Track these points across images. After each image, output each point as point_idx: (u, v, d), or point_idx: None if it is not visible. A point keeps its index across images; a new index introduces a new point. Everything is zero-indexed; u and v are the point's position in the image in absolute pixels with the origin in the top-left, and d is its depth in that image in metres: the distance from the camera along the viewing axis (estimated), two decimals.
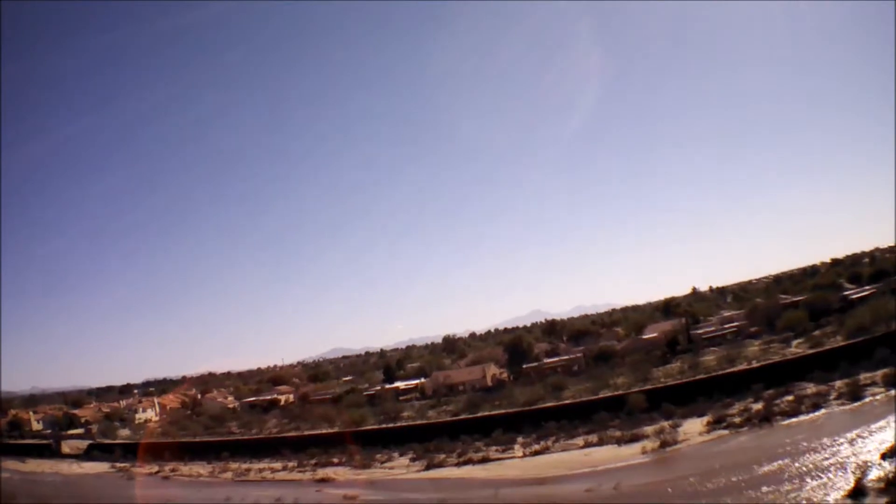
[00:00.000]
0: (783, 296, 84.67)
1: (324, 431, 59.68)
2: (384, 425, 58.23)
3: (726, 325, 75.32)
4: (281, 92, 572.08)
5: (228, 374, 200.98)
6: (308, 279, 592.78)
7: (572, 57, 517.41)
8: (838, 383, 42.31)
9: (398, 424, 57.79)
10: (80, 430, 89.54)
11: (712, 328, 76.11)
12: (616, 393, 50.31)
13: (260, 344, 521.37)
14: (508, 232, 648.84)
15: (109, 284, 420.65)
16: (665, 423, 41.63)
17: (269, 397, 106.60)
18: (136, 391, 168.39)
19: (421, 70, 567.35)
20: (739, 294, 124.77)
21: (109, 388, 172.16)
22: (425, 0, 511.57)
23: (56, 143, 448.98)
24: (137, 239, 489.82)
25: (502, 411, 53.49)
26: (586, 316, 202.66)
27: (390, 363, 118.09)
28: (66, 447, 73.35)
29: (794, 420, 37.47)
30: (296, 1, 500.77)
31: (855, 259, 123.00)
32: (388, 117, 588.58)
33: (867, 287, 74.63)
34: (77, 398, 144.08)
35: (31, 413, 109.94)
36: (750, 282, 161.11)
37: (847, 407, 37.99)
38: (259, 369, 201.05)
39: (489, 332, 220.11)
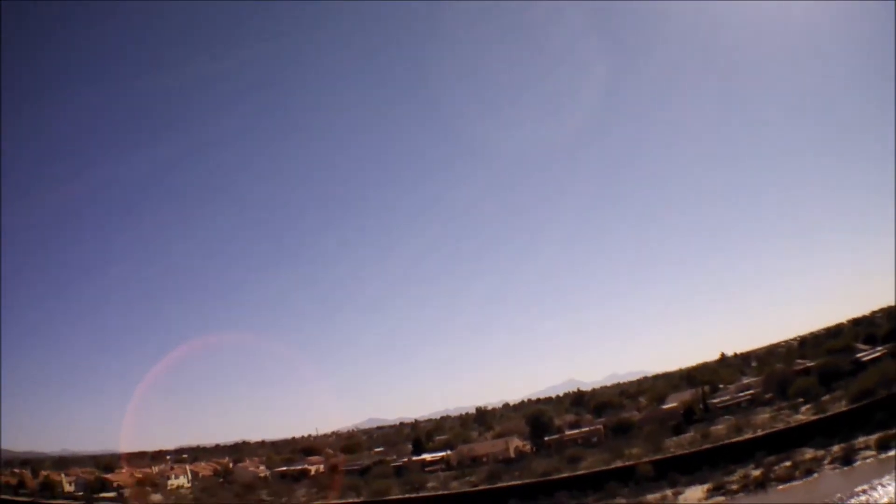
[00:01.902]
0: (800, 360, 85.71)
1: (349, 501, 62.22)
2: (406, 496, 60.58)
3: (742, 393, 76.59)
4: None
5: (262, 443, 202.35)
6: (346, 349, 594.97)
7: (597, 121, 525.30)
8: (835, 448, 44.23)
9: (420, 495, 60.12)
10: (111, 494, 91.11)
11: (728, 396, 77.42)
12: (627, 463, 52.27)
13: (295, 413, 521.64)
14: (543, 301, 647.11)
15: (145, 350, 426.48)
16: (668, 492, 43.91)
17: (300, 467, 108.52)
18: (168, 457, 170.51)
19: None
20: (764, 359, 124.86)
21: (142, 454, 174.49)
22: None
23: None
24: (173, 305, 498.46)
25: (518, 482, 55.69)
26: (618, 385, 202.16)
27: (420, 435, 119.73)
28: None
29: (788, 485, 39.67)
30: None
31: (873, 317, 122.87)
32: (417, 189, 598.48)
33: (880, 348, 75.60)
34: (109, 462, 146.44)
35: (62, 475, 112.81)
36: (777, 345, 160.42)
37: (838, 471, 40.12)
38: (293, 439, 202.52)
39: (523, 402, 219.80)
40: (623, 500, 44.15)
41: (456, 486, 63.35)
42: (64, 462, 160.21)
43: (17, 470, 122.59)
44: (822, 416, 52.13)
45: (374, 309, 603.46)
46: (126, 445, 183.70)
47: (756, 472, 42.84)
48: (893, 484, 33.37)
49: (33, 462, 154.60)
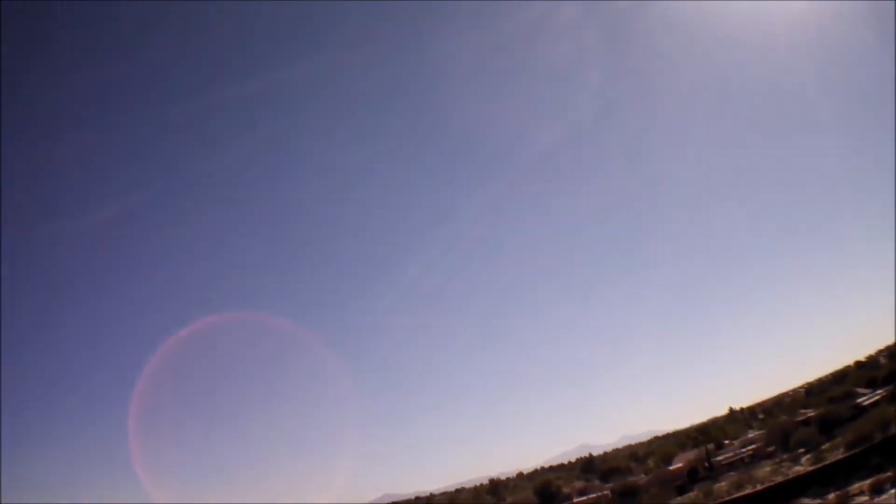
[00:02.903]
0: (802, 410, 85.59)
1: None
2: None
3: (746, 448, 76.26)
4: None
5: None
6: (359, 424, 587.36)
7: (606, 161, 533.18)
8: (831, 496, 44.35)
9: None
10: None
11: (732, 453, 77.04)
12: None
13: (309, 490, 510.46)
14: (552, 369, 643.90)
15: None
16: None
17: None
18: None
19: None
20: (771, 410, 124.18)
21: None
22: None
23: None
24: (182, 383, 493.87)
25: None
26: (629, 446, 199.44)
27: None
28: None
29: None
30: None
31: (878, 357, 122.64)
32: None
33: (879, 391, 75.77)
34: None
35: None
36: (786, 394, 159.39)
37: None
38: None
39: (536, 470, 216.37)
40: None
41: None
42: None
43: None
44: (819, 465, 52.21)
45: (386, 381, 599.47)
46: None
47: None
48: None
49: None
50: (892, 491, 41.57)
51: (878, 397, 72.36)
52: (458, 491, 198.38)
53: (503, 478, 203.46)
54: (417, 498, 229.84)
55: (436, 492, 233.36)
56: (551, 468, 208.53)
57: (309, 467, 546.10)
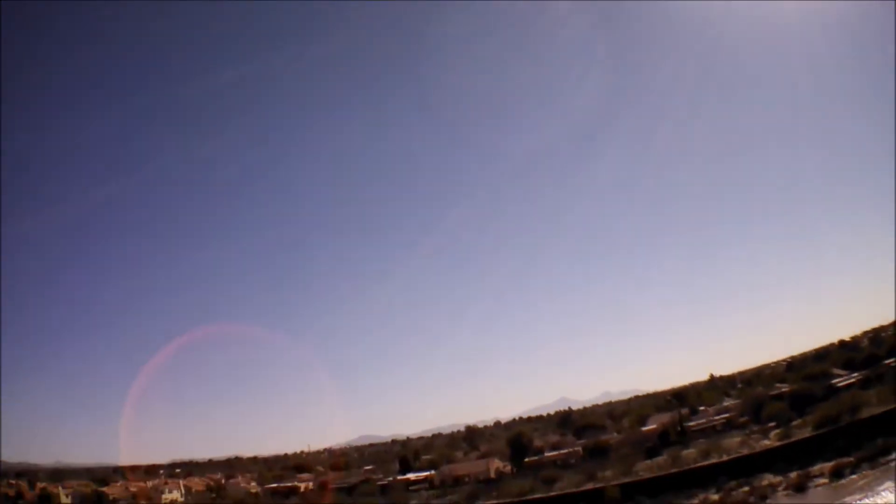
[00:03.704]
0: (778, 385, 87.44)
1: None
2: None
3: (719, 416, 78.16)
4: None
5: (255, 459, 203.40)
6: (339, 365, 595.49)
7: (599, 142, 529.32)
8: (793, 475, 45.72)
9: None
10: None
11: (705, 420, 78.93)
12: (597, 486, 53.82)
13: (288, 429, 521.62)
14: (537, 319, 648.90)
15: (143, 361, 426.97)
16: None
17: (290, 484, 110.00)
18: (161, 472, 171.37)
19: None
20: (750, 381, 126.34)
21: (135, 468, 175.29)
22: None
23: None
24: (169, 312, 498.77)
25: (494, 502, 57.31)
26: (609, 404, 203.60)
27: (408, 454, 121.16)
28: None
29: None
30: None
31: (863, 339, 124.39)
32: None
33: (855, 374, 77.31)
34: (103, 475, 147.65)
35: (59, 488, 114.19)
36: (767, 366, 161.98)
37: (790, 500, 41.71)
38: (285, 455, 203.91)
39: (513, 420, 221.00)
40: None
41: None
42: (59, 474, 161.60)
43: (12, 482, 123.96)
44: (785, 441, 53.67)
45: (370, 324, 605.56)
46: (120, 459, 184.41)
47: (715, 497, 44.48)
48: None
49: (28, 474, 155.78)
50: (852, 476, 43.04)
51: (852, 380, 73.87)
52: (434, 437, 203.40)
53: (481, 426, 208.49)
54: (394, 441, 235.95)
55: (413, 436, 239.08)
56: (529, 419, 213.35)
57: (290, 412, 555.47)
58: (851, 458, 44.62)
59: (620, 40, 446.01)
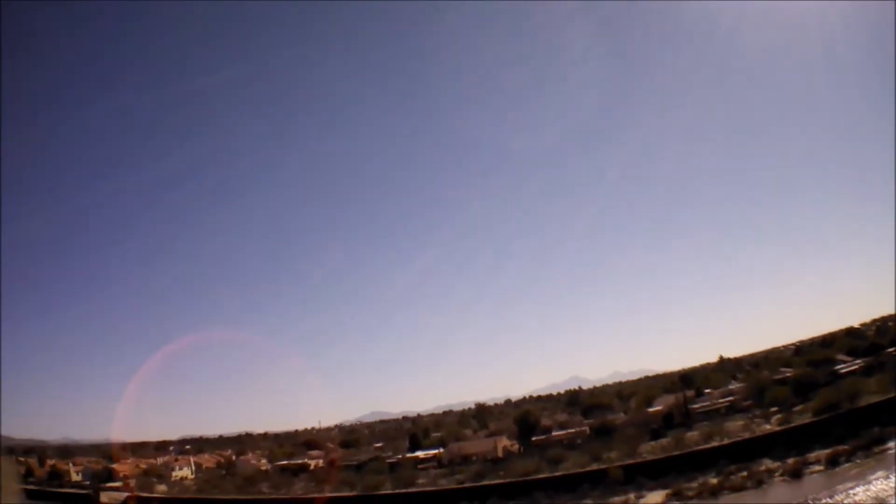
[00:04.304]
0: (783, 369, 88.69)
1: (341, 496, 66.08)
2: (395, 491, 64.38)
3: (724, 399, 79.64)
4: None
5: (265, 435, 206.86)
6: (350, 339, 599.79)
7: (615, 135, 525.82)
8: (790, 461, 47.14)
9: (408, 491, 63.85)
10: (118, 484, 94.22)
11: (709, 402, 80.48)
12: (601, 466, 55.45)
13: (299, 405, 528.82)
14: (548, 297, 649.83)
15: (149, 339, 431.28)
16: (632, 495, 47.16)
17: (300, 461, 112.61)
18: (171, 448, 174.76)
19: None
20: (758, 364, 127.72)
21: (145, 444, 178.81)
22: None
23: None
24: (176, 296, 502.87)
25: (500, 481, 59.12)
26: (618, 383, 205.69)
27: (418, 432, 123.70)
28: (105, 498, 79.03)
29: (738, 494, 42.77)
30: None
31: (870, 326, 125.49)
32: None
33: (858, 361, 78.48)
34: (113, 452, 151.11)
35: (69, 464, 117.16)
36: (776, 349, 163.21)
37: (785, 485, 43.17)
38: (296, 432, 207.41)
39: (524, 398, 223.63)
40: (590, 503, 47.37)
41: (443, 484, 66.95)
42: (68, 451, 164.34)
43: (22, 458, 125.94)
44: (785, 427, 55.05)
45: (382, 302, 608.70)
46: (129, 435, 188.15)
47: (714, 481, 45.91)
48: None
49: (37, 450, 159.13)
50: (847, 465, 44.36)
51: (855, 367, 75.06)
52: (445, 413, 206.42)
53: (491, 404, 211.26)
54: (405, 417, 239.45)
55: (424, 413, 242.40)
56: (539, 398, 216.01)
57: (300, 388, 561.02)
58: (847, 447, 45.93)
59: (623, 39, 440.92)
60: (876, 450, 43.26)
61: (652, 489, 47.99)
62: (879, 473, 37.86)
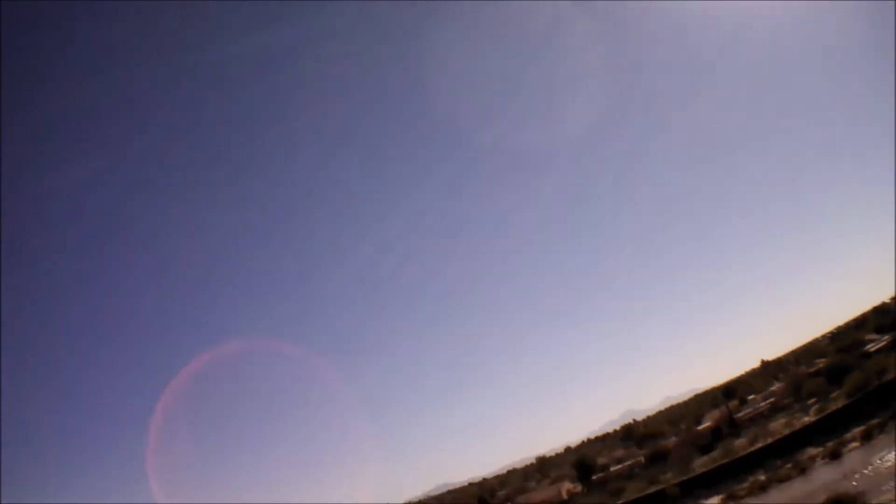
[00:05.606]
0: (817, 360, 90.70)
1: None
2: None
3: (765, 402, 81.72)
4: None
5: None
6: (406, 419, 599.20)
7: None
8: (830, 444, 50.06)
9: None
10: None
11: (751, 408, 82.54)
12: (658, 488, 58.39)
13: (369, 483, 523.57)
14: (593, 340, 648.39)
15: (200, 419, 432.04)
16: None
17: None
18: None
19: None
20: (798, 359, 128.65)
21: None
22: None
23: None
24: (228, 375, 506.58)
25: None
26: (670, 408, 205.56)
27: (484, 493, 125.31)
28: None
29: (786, 484, 45.78)
30: None
31: (891, 304, 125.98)
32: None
33: (886, 336, 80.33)
34: None
35: None
36: (814, 341, 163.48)
37: (828, 466, 46.15)
38: None
39: (582, 442, 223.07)
40: None
41: None
42: None
43: None
44: (822, 415, 57.85)
45: (439, 375, 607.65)
46: None
47: (763, 478, 48.91)
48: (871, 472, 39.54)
49: None
50: (881, 436, 47.14)
51: (882, 344, 77.26)
52: (509, 473, 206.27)
53: (551, 454, 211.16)
54: (470, 483, 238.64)
55: (488, 476, 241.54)
56: (596, 439, 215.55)
57: (365, 467, 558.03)
58: (879, 420, 48.95)
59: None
60: None
61: (707, 497, 50.97)
62: None
